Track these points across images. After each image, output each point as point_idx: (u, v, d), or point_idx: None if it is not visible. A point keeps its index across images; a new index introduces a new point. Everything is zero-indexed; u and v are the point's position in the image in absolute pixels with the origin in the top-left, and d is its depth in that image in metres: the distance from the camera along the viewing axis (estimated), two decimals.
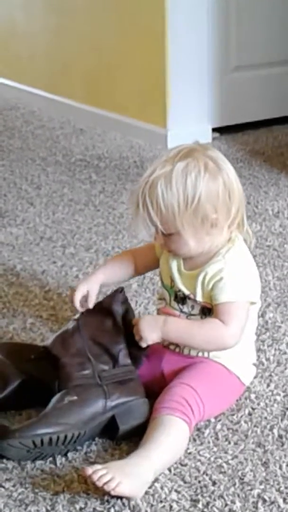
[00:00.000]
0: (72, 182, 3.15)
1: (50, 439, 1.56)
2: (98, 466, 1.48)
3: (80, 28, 3.94)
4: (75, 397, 1.62)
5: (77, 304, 1.77)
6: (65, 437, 1.57)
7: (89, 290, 1.78)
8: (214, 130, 3.63)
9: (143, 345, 1.68)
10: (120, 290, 1.77)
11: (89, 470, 1.46)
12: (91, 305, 1.77)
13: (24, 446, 1.55)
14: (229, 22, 3.59)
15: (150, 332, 1.67)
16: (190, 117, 3.52)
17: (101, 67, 3.85)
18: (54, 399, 1.63)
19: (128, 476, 1.46)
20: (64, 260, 2.47)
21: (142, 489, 1.49)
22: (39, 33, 4.24)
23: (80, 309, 1.77)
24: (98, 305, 1.77)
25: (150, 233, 1.68)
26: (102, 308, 1.76)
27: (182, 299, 1.74)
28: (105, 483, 1.45)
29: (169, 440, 1.55)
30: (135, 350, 1.71)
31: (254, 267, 1.73)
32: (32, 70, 4.36)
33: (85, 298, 1.78)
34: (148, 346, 1.70)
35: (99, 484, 1.45)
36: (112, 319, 1.74)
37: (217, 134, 3.64)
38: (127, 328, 1.72)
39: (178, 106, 3.50)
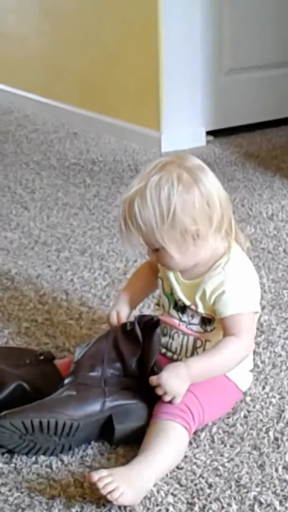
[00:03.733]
0: (67, 186, 3.14)
1: (41, 423, 1.55)
2: (103, 473, 1.46)
3: (74, 32, 3.94)
4: (74, 393, 1.62)
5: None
6: (56, 423, 1.56)
7: (118, 312, 1.80)
8: (208, 133, 3.63)
9: (177, 401, 1.62)
10: (155, 321, 1.71)
11: (95, 477, 1.45)
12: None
13: (15, 428, 1.55)
14: (222, 24, 3.59)
15: (180, 388, 1.60)
16: (184, 120, 3.52)
17: (94, 70, 3.85)
18: (53, 394, 1.64)
19: (132, 486, 1.45)
20: (58, 264, 2.47)
21: (142, 496, 1.48)
22: (32, 37, 4.24)
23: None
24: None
25: (136, 250, 1.67)
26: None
27: (182, 308, 1.73)
28: (109, 492, 1.44)
29: (170, 448, 1.54)
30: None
31: (255, 275, 1.72)
32: (26, 74, 4.36)
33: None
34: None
35: (104, 492, 1.44)
36: (136, 336, 1.72)
37: (211, 137, 3.64)
38: (145, 353, 1.69)
39: (172, 109, 3.50)
